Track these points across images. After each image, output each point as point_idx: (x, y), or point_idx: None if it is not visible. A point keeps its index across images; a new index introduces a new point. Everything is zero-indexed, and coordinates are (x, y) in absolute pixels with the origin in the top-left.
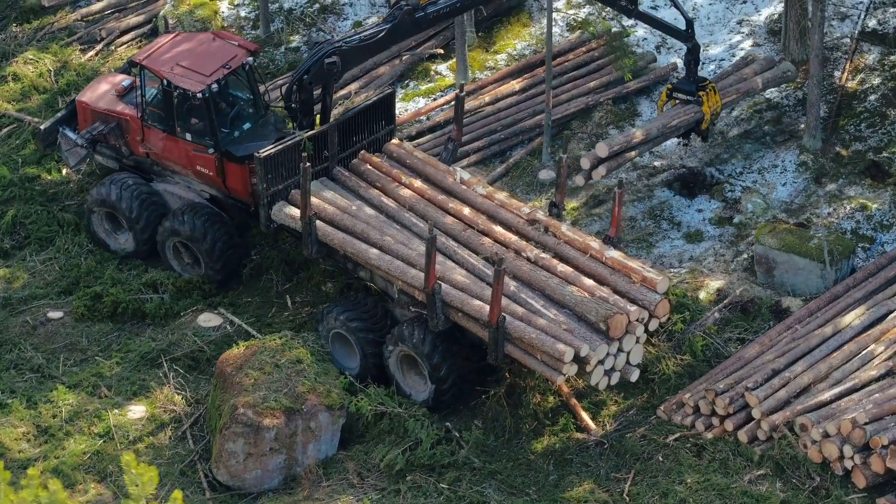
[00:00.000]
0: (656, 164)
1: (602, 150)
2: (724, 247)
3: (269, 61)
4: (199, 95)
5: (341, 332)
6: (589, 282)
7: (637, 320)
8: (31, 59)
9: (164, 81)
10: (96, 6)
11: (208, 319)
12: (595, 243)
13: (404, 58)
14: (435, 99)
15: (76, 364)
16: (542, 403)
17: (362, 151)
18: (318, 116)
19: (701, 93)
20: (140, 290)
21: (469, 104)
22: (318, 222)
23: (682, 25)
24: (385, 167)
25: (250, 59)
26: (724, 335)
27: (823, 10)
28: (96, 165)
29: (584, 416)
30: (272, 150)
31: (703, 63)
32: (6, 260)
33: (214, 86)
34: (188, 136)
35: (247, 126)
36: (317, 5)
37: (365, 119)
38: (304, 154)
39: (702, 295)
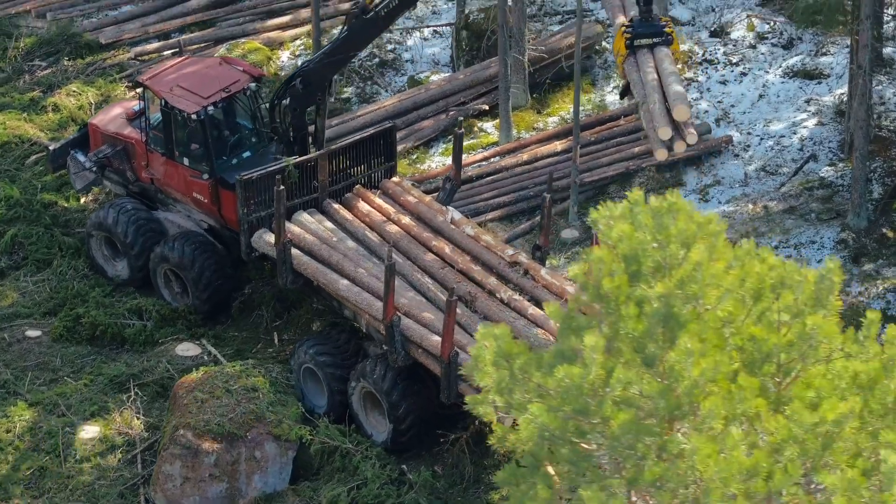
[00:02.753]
0: None
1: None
2: None
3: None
4: (195, 117)
5: (311, 367)
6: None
7: None
8: (74, 92)
9: (163, 102)
10: (152, 46)
11: (187, 349)
12: (571, 287)
13: (450, 113)
14: (473, 154)
15: (45, 383)
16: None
17: (357, 186)
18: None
19: (668, 28)
20: (124, 315)
21: (506, 161)
22: (293, 250)
23: None
24: (377, 203)
25: (253, 84)
26: None
27: (869, 85)
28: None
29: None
30: (253, 175)
31: (763, 138)
32: (0, 279)
33: (211, 108)
34: (186, 161)
35: (247, 154)
36: (376, 59)
37: (362, 153)
38: (280, 178)
39: None
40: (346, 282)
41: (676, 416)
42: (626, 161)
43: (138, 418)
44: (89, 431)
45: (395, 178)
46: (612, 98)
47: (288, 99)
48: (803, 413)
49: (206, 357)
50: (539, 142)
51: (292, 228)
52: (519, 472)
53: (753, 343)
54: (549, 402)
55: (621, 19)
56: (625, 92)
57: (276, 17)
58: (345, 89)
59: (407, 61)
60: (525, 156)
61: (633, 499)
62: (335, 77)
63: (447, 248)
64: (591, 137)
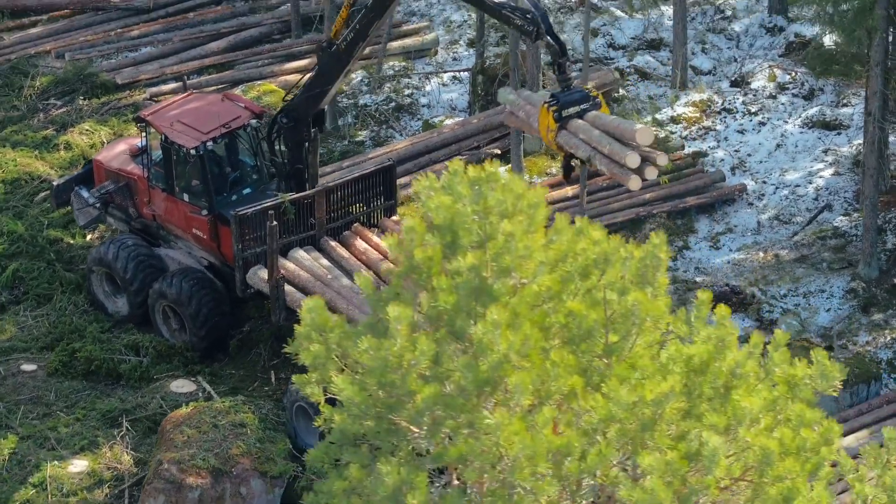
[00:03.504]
0: (698, 279)
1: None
2: None
3: (326, 151)
4: (193, 152)
5: (304, 406)
6: None
7: None
8: (87, 130)
9: (163, 137)
10: (168, 87)
11: (181, 385)
12: None
13: (463, 157)
14: None
15: (37, 417)
16: None
17: (356, 224)
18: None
19: (593, 93)
20: (120, 350)
21: None
22: (286, 287)
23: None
24: (374, 241)
25: (254, 121)
26: None
27: (881, 133)
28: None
29: None
30: (248, 211)
31: (778, 187)
32: (0, 313)
33: (210, 143)
34: (186, 197)
35: (247, 191)
36: (393, 104)
37: (360, 191)
38: (272, 214)
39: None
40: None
41: (485, 392)
42: (637, 207)
43: (128, 453)
44: (78, 465)
45: (394, 217)
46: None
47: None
48: (620, 392)
49: (200, 394)
50: (550, 186)
51: (286, 265)
52: (331, 449)
53: (573, 319)
54: (358, 377)
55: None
56: (567, 169)
57: (296, 61)
58: (359, 132)
59: (424, 106)
60: None
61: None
62: (324, 113)
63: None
64: (603, 183)
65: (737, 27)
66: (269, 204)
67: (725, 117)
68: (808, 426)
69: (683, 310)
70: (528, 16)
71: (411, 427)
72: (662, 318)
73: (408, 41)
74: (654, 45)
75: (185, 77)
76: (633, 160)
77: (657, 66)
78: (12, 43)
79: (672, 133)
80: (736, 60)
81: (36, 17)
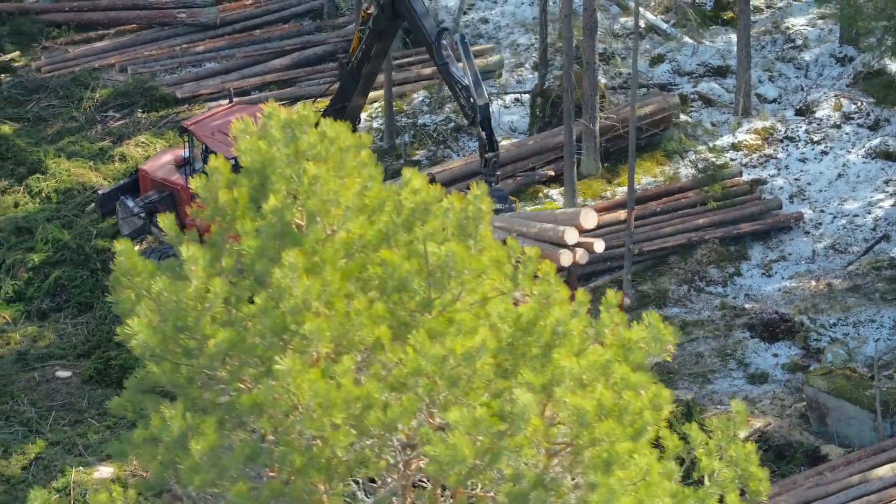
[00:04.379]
0: (747, 305)
1: None
2: (787, 392)
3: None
4: (233, 161)
5: None
6: None
7: None
8: (142, 143)
9: (204, 146)
10: (226, 103)
11: None
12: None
13: (518, 178)
14: None
15: (68, 424)
16: None
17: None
18: None
19: (512, 197)
20: None
21: None
22: None
23: None
24: None
25: None
26: None
27: None
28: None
29: None
30: None
31: (836, 216)
32: (41, 320)
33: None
34: None
35: None
36: (452, 124)
37: None
38: None
39: (741, 434)
40: None
41: (283, 339)
42: (689, 233)
43: None
44: (103, 472)
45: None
46: (685, 171)
47: None
48: (427, 345)
49: None
50: (604, 210)
51: None
52: (135, 397)
53: (387, 269)
54: (154, 319)
55: None
56: None
57: None
58: (416, 152)
59: None
60: None
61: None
62: (355, 128)
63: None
64: (657, 208)
65: (806, 56)
66: None
67: (787, 145)
68: (633, 389)
69: (509, 266)
70: (470, 100)
71: (206, 374)
72: (485, 272)
73: None
74: (720, 72)
75: (230, 90)
76: (571, 235)
77: (722, 92)
78: (77, 55)
79: (732, 160)
80: (802, 89)
81: (103, 31)
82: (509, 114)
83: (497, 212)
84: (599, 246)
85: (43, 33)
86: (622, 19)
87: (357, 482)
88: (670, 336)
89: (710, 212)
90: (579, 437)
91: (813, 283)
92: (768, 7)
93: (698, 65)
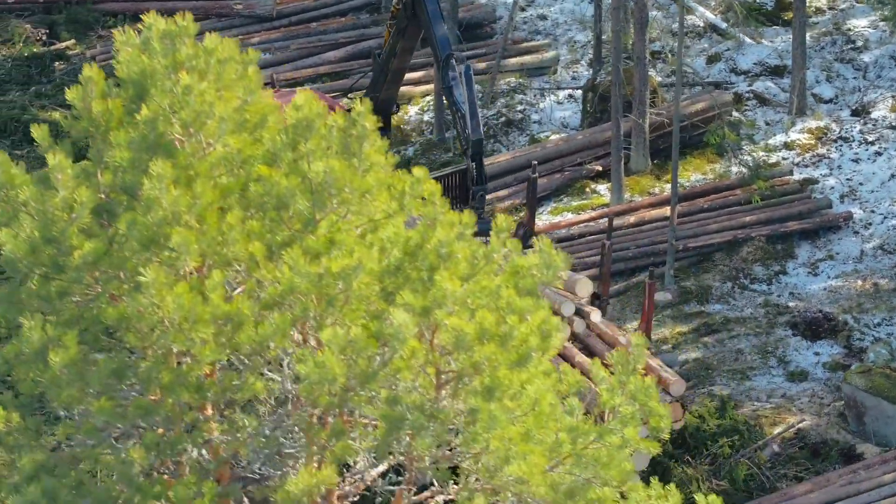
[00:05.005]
0: (791, 304)
1: None
2: (827, 391)
3: (428, 161)
4: None
5: None
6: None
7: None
8: None
9: None
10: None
11: None
12: (623, 338)
13: (565, 173)
14: (580, 215)
15: None
16: None
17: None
18: None
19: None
20: None
21: (613, 223)
22: None
23: None
24: None
25: None
26: (780, 471)
27: None
28: None
29: None
30: None
31: (886, 217)
32: None
33: None
34: None
35: None
36: (503, 118)
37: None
38: None
39: (776, 430)
40: None
41: (153, 251)
42: (735, 230)
43: None
44: None
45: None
46: (736, 170)
47: None
48: (301, 262)
49: None
50: (650, 206)
51: None
52: (9, 310)
53: (264, 186)
54: (23, 231)
55: None
56: None
57: (409, 73)
58: None
59: (535, 122)
60: (632, 218)
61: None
62: (389, 118)
63: None
64: (705, 204)
65: (866, 58)
66: None
67: (841, 145)
68: (518, 314)
69: (404, 186)
70: (466, 131)
71: (73, 286)
72: (369, 192)
73: (527, 58)
74: (777, 72)
75: (273, 76)
76: (568, 308)
77: (777, 92)
78: None
79: (784, 159)
80: (859, 90)
81: None
82: (562, 110)
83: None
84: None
85: (99, 22)
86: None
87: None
88: (561, 262)
89: (758, 209)
90: (459, 361)
91: (859, 282)
92: (830, 8)
93: (755, 64)
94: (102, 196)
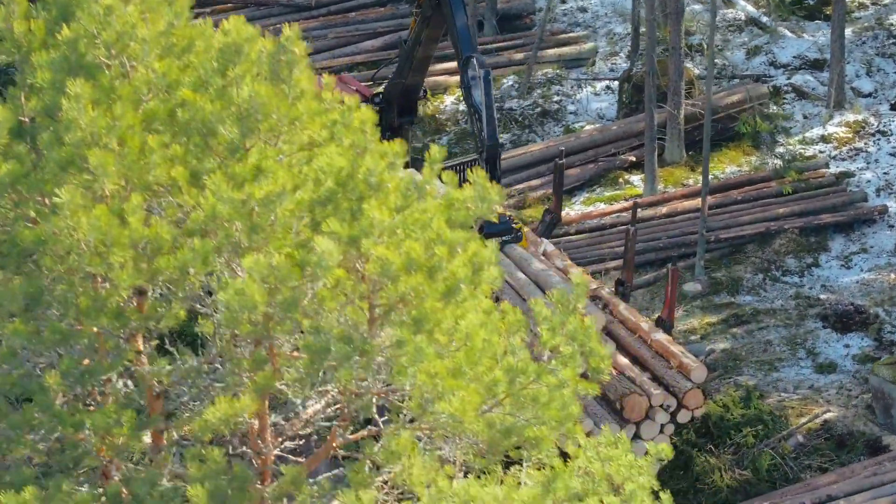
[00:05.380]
0: (822, 296)
1: None
2: (855, 383)
3: (462, 150)
4: None
5: None
6: (623, 360)
7: (660, 406)
8: None
9: None
10: None
11: None
12: (646, 324)
13: (599, 163)
14: (612, 205)
15: None
16: None
17: None
18: None
19: (516, 224)
20: None
21: (644, 213)
22: None
23: None
24: None
25: (364, 105)
26: (805, 461)
27: None
28: None
29: None
30: None
31: None
32: None
33: None
34: None
35: None
36: (538, 109)
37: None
38: None
39: (802, 421)
40: None
41: (71, 173)
42: (768, 222)
43: None
44: None
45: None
46: (772, 162)
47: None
48: (224, 188)
49: None
50: (683, 197)
51: None
52: None
53: (189, 110)
54: None
55: None
56: None
57: (446, 62)
58: (501, 135)
59: (571, 113)
60: (664, 209)
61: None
62: (414, 105)
63: (523, 277)
64: (738, 196)
65: None
66: None
67: (879, 139)
68: (448, 246)
69: (335, 116)
70: (482, 135)
71: None
72: (298, 119)
73: (565, 49)
74: (817, 66)
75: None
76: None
77: (816, 85)
78: None
79: (821, 152)
80: None
81: (199, 9)
82: (599, 101)
83: (505, 243)
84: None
85: None
86: (722, 11)
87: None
88: (496, 195)
89: (791, 201)
90: (385, 292)
91: (892, 275)
92: (874, 3)
93: (794, 57)
94: (26, 120)
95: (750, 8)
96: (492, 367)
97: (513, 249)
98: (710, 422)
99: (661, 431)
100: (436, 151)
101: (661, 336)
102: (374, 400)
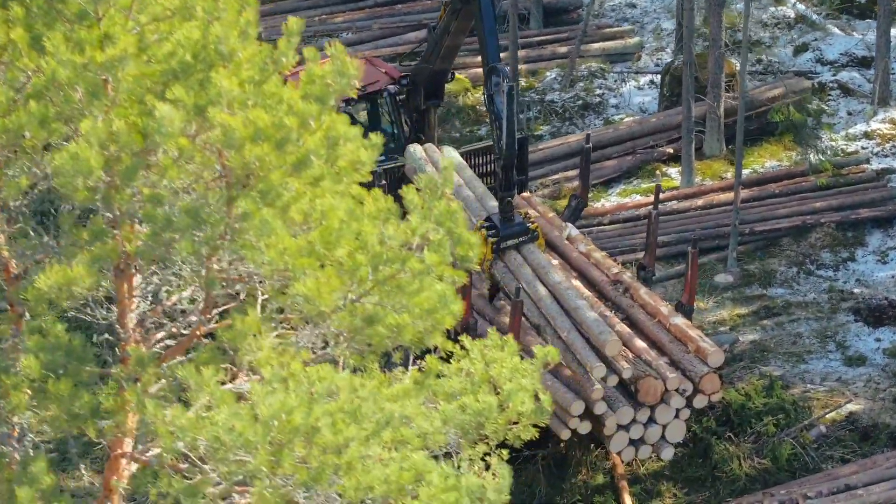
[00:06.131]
0: (856, 290)
1: None
2: (885, 377)
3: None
4: None
5: None
6: (641, 344)
7: (676, 390)
8: None
9: None
10: None
11: None
12: (665, 308)
13: (637, 155)
14: (647, 196)
15: None
16: (588, 479)
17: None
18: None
19: (532, 224)
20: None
21: (681, 205)
22: None
23: None
24: None
25: (392, 86)
26: (826, 452)
27: None
28: None
29: (629, 502)
30: None
31: None
32: None
33: (342, 104)
34: None
35: (381, 158)
36: (580, 102)
37: (486, 163)
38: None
39: (829, 414)
40: None
41: None
42: (804, 216)
43: None
44: None
45: (524, 193)
46: (813, 158)
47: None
48: (63, 50)
49: None
50: (720, 189)
51: None
52: None
53: None
54: None
55: None
56: (492, 294)
57: None
58: (541, 127)
59: (612, 107)
60: (700, 202)
61: None
62: (441, 87)
63: (554, 261)
64: (776, 190)
65: None
66: (388, 167)
67: None
68: (299, 117)
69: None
70: (500, 143)
71: None
72: None
73: (610, 44)
74: (864, 63)
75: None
76: (599, 371)
77: (863, 82)
78: None
79: (863, 148)
80: None
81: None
82: (642, 95)
83: (521, 244)
84: (628, 373)
85: None
86: (772, 9)
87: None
88: (354, 70)
89: (829, 196)
90: (229, 161)
91: None
92: None
93: (841, 54)
94: None
95: (800, 5)
96: (355, 252)
97: (532, 253)
98: (732, 410)
99: (677, 416)
100: (293, 23)
101: (679, 320)
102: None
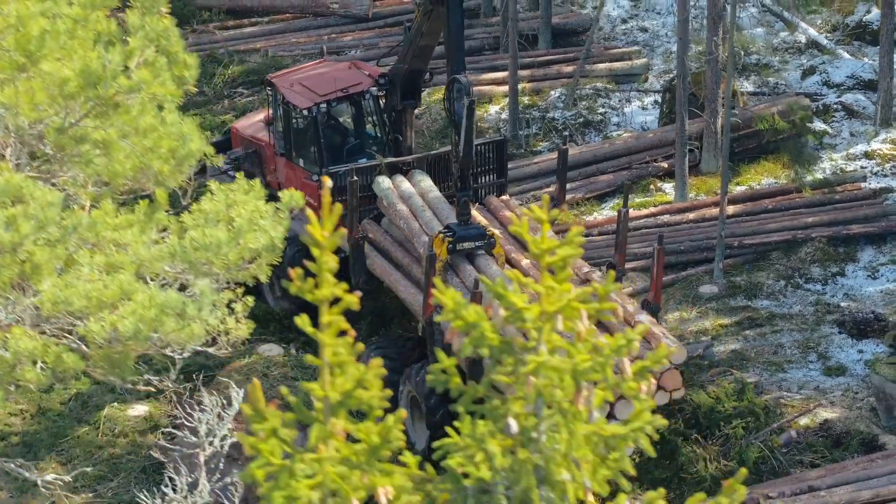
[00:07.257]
0: (843, 304)
1: None
2: (863, 387)
3: None
4: (306, 112)
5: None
6: (604, 341)
7: None
8: None
9: (281, 97)
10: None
11: (269, 349)
12: (631, 307)
13: (632, 170)
14: (641, 210)
15: None
16: None
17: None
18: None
19: (490, 230)
20: None
21: (672, 219)
22: (367, 248)
23: None
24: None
25: (374, 88)
26: (796, 457)
27: None
28: None
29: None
30: (338, 171)
31: None
32: None
33: (324, 105)
34: (301, 162)
35: (363, 160)
36: (581, 119)
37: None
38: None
39: (803, 421)
40: (406, 282)
41: None
42: (795, 230)
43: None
44: (138, 410)
45: (503, 196)
46: (809, 178)
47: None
48: None
49: (281, 358)
50: (713, 204)
51: (373, 227)
52: None
53: None
54: None
55: None
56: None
57: (494, 73)
58: (540, 143)
59: (614, 125)
60: (692, 215)
61: None
62: (418, 89)
63: (524, 261)
64: (770, 205)
65: None
66: (360, 167)
67: None
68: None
69: None
70: (458, 149)
71: None
72: None
73: (616, 65)
74: (870, 86)
75: (323, 48)
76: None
77: (867, 104)
78: (225, 38)
79: (862, 167)
80: None
81: (258, 18)
82: (645, 114)
83: (478, 248)
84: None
85: (195, 17)
86: (783, 34)
87: None
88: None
89: (821, 211)
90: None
91: None
92: None
93: (848, 77)
94: None
95: (811, 31)
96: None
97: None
98: (700, 413)
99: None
100: None
101: (644, 318)
102: None
